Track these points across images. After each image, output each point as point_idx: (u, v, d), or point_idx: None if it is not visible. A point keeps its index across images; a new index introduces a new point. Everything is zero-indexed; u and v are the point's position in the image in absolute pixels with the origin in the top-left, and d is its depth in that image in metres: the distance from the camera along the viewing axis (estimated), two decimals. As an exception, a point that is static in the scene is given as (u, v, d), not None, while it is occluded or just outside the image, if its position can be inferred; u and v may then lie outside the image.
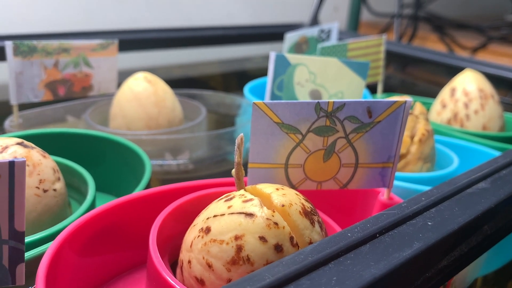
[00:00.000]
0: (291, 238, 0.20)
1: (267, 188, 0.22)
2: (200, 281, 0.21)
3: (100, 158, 0.35)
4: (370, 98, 0.55)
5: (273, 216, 0.20)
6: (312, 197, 0.30)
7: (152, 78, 0.41)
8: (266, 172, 0.28)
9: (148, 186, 0.32)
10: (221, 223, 0.21)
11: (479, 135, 0.43)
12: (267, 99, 0.41)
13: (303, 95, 0.42)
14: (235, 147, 0.23)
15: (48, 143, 0.34)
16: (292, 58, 0.41)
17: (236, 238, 0.20)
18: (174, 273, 0.25)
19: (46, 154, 0.27)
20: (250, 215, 0.20)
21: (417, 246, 0.20)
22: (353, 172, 0.29)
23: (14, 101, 0.39)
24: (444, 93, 0.48)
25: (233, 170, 0.23)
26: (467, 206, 0.23)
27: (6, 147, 0.25)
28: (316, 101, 0.26)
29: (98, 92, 0.44)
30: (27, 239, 0.23)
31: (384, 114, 0.27)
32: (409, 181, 0.33)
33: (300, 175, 0.29)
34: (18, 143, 0.26)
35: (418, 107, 0.37)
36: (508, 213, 0.25)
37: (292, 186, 0.29)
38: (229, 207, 0.21)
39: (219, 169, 0.39)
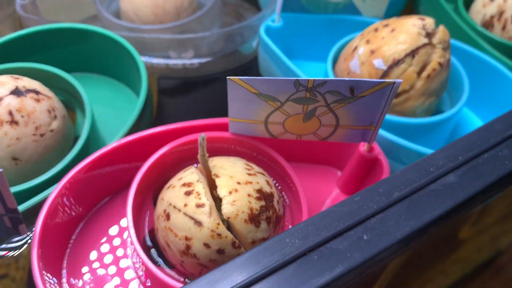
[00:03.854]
0: (233, 243, 0.23)
1: (223, 188, 0.24)
2: (163, 249, 0.25)
3: (101, 52, 0.37)
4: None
5: (217, 228, 0.23)
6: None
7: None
8: (246, 125, 0.29)
9: (148, 92, 0.34)
10: (177, 219, 0.24)
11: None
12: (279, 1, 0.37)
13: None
14: (198, 144, 0.24)
15: (44, 39, 0.35)
16: None
17: (186, 238, 0.23)
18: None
19: (40, 96, 0.29)
20: (198, 223, 0.23)
21: (339, 270, 0.22)
22: (333, 131, 0.29)
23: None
24: (499, -20, 0.41)
25: (199, 156, 0.25)
26: (415, 214, 0.25)
27: (0, 99, 0.27)
28: (295, 78, 0.25)
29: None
30: (30, 183, 0.27)
31: (368, 91, 0.26)
32: (396, 127, 0.33)
33: (280, 130, 0.29)
34: (12, 92, 0.28)
35: (441, 33, 0.33)
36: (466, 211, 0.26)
37: (273, 136, 0.30)
38: (185, 205, 0.24)
39: (230, 65, 0.39)
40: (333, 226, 0.24)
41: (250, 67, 0.40)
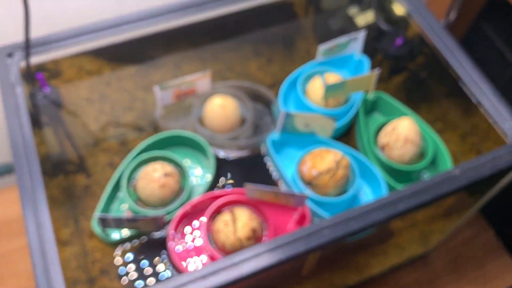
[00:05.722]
0: (241, 246, 0.67)
1: (239, 224, 0.68)
2: (215, 242, 0.70)
3: (191, 141, 0.81)
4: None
5: (236, 241, 0.67)
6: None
7: (225, 103, 0.80)
8: (253, 195, 0.72)
9: (215, 167, 0.78)
10: (221, 234, 0.68)
11: (387, 165, 0.80)
12: (277, 129, 0.79)
13: (300, 125, 0.79)
14: (229, 211, 0.68)
15: (171, 136, 0.80)
16: (295, 114, 0.77)
17: (223, 242, 0.68)
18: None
19: (173, 175, 0.73)
20: (228, 237, 0.67)
21: (276, 259, 0.66)
22: (286, 202, 0.72)
23: (160, 104, 0.82)
24: (391, 125, 0.81)
25: (231, 211, 0.69)
26: (304, 246, 0.67)
27: (159, 179, 0.71)
28: (274, 191, 0.68)
29: (199, 93, 0.84)
30: (168, 207, 0.73)
31: (298, 195, 0.69)
32: (315, 201, 0.75)
33: (266, 198, 0.72)
34: (164, 174, 0.72)
35: (344, 161, 0.75)
36: None
37: (263, 200, 0.73)
38: (223, 229, 0.68)
39: (253, 153, 0.82)
40: (272, 246, 0.67)
41: (263, 154, 0.83)
